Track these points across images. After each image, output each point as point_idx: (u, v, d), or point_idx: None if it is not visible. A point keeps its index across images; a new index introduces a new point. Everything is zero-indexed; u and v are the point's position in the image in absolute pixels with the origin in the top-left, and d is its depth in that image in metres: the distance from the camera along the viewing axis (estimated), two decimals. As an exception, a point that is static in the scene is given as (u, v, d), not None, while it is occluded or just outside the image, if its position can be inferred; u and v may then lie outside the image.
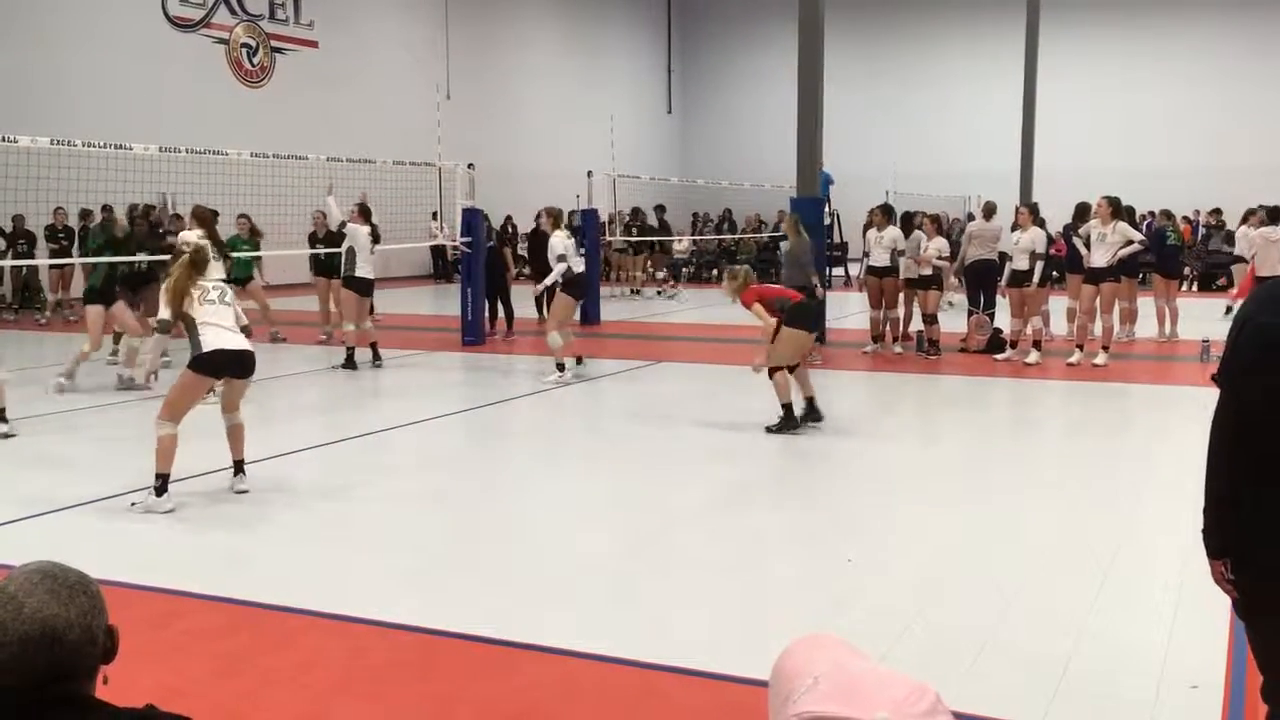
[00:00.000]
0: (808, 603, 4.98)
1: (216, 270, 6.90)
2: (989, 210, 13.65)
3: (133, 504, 6.37)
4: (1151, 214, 20.47)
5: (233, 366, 6.60)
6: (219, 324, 6.52)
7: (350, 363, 12.08)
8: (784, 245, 13.14)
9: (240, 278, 12.87)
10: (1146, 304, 14.64)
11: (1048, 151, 26.89)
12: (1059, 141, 28.50)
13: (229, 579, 5.28)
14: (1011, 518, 6.36)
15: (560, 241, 11.34)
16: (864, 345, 13.60)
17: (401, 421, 9.16)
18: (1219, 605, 4.83)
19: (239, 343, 6.58)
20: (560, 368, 11.16)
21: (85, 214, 17.57)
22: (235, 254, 12.14)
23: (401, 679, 4.21)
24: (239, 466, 6.84)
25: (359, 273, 12.11)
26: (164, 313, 6.91)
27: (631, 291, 22.38)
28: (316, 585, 5.21)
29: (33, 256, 17.43)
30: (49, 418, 9.35)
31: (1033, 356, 12.28)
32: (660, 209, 24.41)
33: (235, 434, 6.85)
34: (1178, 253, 15.41)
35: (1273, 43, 30.07)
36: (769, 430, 8.55)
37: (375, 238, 12.51)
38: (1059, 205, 17.07)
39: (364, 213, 12.38)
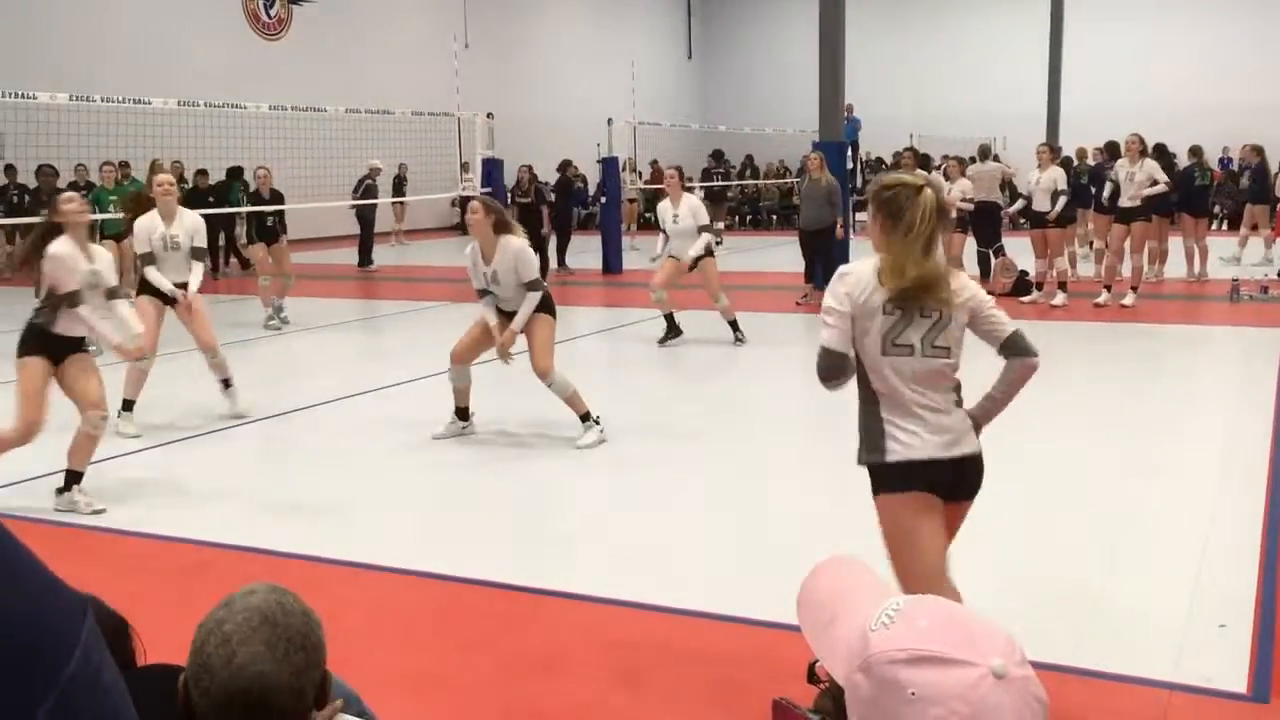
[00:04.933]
0: (830, 545, 4.97)
1: None
2: (984, 152, 13.65)
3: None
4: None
5: None
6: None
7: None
8: (802, 183, 13.06)
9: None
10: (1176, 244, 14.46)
11: (1076, 91, 26.46)
12: (1088, 81, 28.01)
13: (261, 530, 5.33)
14: (1036, 457, 6.32)
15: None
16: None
17: (422, 374, 9.18)
18: (1248, 544, 4.83)
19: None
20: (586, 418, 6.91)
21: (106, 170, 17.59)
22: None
23: (425, 626, 4.25)
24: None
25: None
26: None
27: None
28: (344, 536, 5.25)
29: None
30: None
31: (1059, 298, 12.17)
32: (718, 154, 24.35)
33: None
34: (1206, 192, 15.20)
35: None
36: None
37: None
38: (1090, 144, 16.88)
39: None
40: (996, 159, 16.54)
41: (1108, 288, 12.11)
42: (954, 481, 3.22)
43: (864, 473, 3.27)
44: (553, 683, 3.74)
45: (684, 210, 10.07)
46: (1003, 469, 6.11)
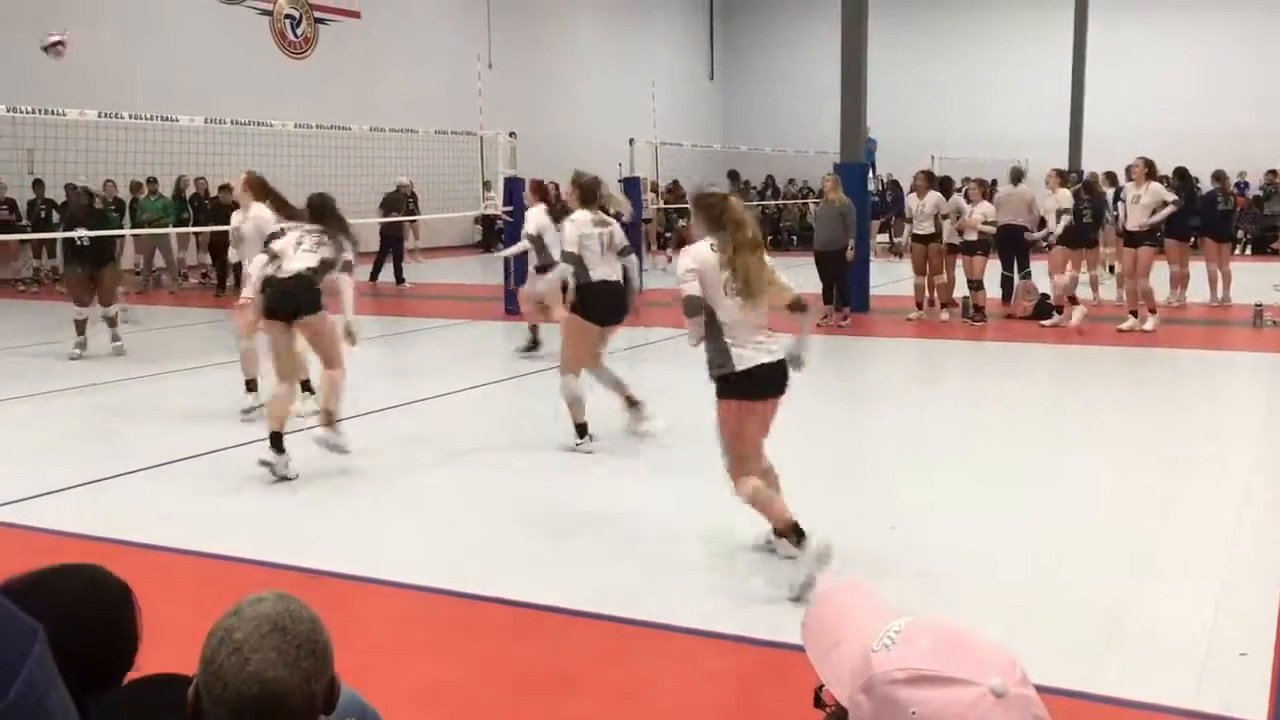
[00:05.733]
0: (850, 568, 4.95)
1: None
2: (1016, 175, 13.55)
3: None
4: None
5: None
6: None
7: None
8: (815, 206, 13.12)
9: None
10: (1199, 268, 14.38)
11: (1097, 114, 26.41)
12: (1109, 104, 27.97)
13: (278, 545, 5.36)
14: (1055, 480, 6.29)
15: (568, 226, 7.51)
16: (909, 312, 13.48)
17: (441, 391, 9.22)
18: (1270, 571, 4.79)
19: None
20: (580, 431, 7.18)
21: (135, 186, 17.79)
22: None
23: (439, 641, 4.26)
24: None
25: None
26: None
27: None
28: (361, 551, 5.27)
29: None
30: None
31: (1076, 315, 12.13)
32: (733, 175, 24.51)
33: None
34: (1229, 216, 15.13)
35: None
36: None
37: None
38: (1114, 167, 16.83)
39: None
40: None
41: (1133, 313, 12.05)
42: (772, 380, 4.71)
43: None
44: (566, 699, 3.75)
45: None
46: (1022, 491, 6.13)
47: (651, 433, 7.21)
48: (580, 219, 7.11)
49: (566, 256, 7.10)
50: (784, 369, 4.73)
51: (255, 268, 6.56)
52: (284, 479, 6.36)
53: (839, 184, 12.66)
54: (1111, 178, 15.20)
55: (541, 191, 10.65)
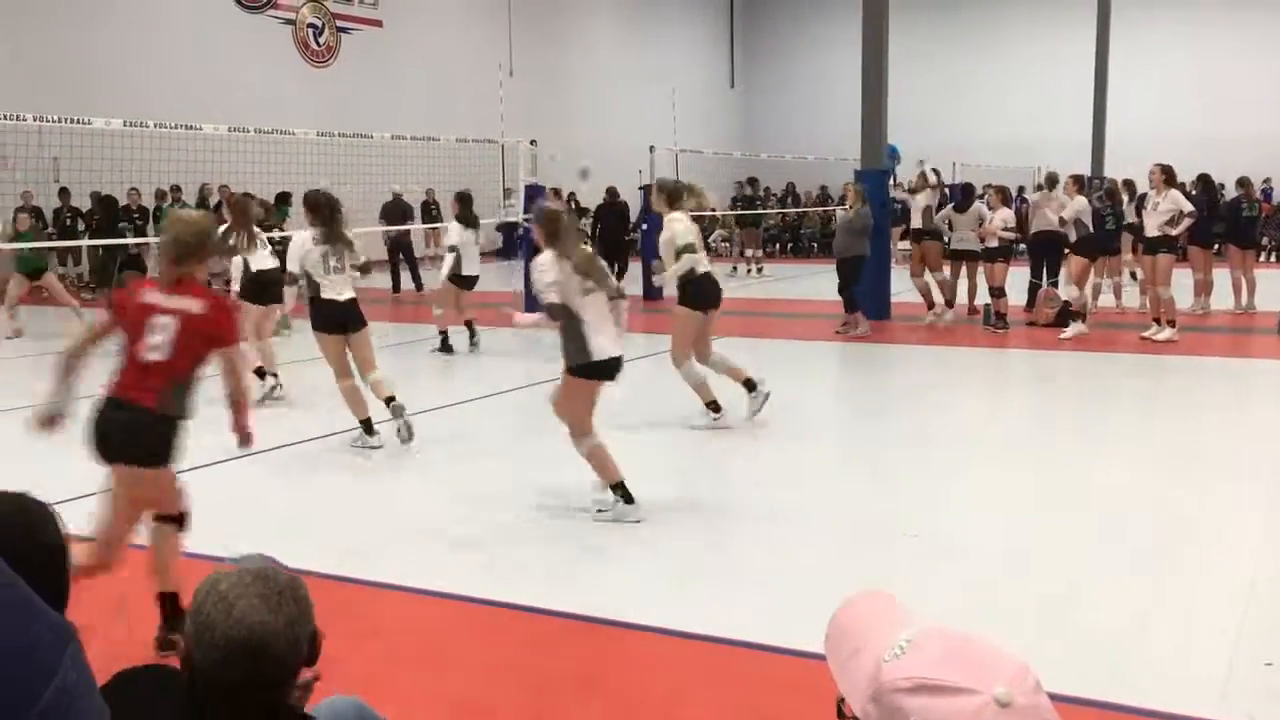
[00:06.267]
0: (871, 577, 4.94)
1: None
2: (1051, 181, 13.45)
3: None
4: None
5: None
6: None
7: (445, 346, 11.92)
8: (840, 213, 13.10)
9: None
10: (1222, 275, 14.29)
11: (1120, 120, 26.27)
12: (1131, 110, 27.82)
13: (297, 550, 5.38)
14: (1078, 491, 6.26)
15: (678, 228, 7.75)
16: (924, 318, 13.42)
17: (467, 397, 9.24)
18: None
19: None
20: (714, 407, 7.89)
21: (160, 194, 17.94)
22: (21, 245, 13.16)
23: (458, 648, 4.27)
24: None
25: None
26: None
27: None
28: (379, 558, 5.29)
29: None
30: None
31: (1069, 330, 12.06)
32: (753, 182, 24.50)
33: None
34: (1254, 224, 15.02)
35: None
36: None
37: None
38: (1136, 175, 16.74)
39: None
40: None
41: (1156, 320, 11.97)
42: (618, 367, 5.69)
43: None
44: (586, 708, 3.75)
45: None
46: (1043, 500, 6.10)
47: (762, 403, 7.92)
48: (681, 219, 7.71)
49: (687, 250, 7.60)
50: (621, 360, 5.68)
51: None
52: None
53: (861, 192, 12.61)
54: (1129, 185, 15.11)
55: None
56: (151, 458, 3.91)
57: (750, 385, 7.91)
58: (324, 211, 7.34)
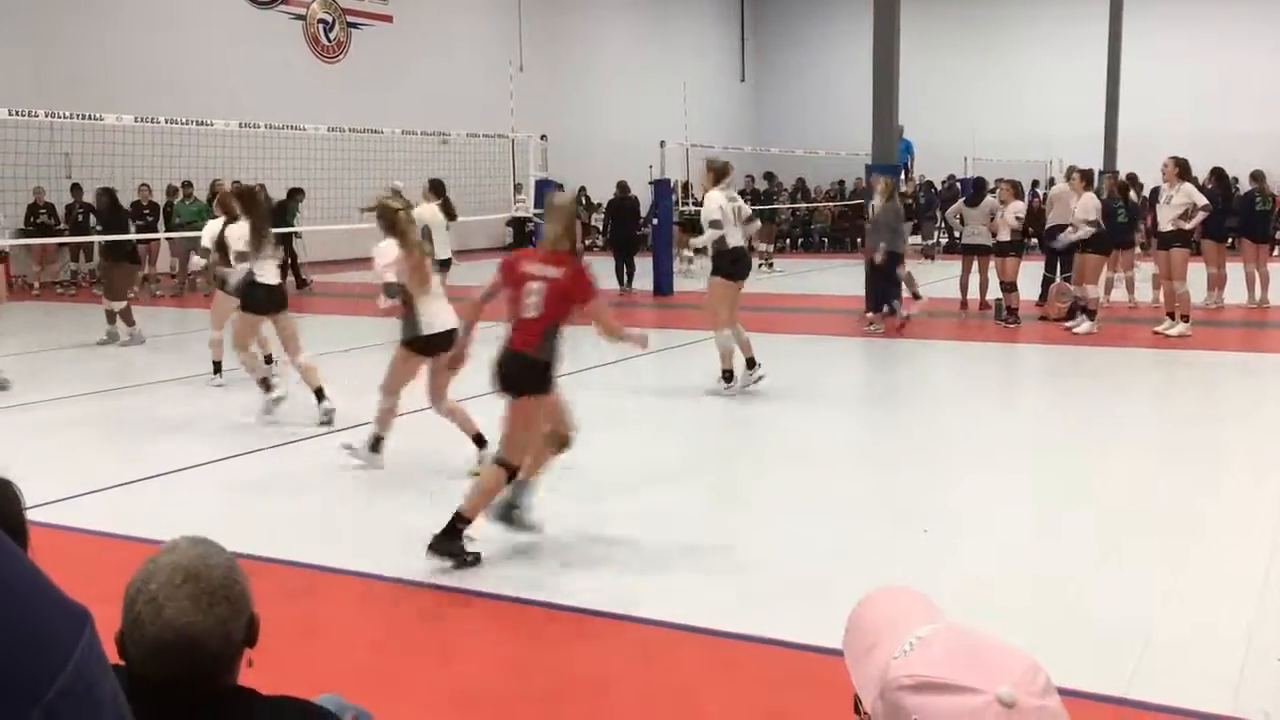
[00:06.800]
0: (885, 572, 4.93)
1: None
2: (1069, 176, 13.38)
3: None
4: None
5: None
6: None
7: None
8: (874, 206, 12.89)
9: None
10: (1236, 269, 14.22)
11: (1132, 114, 26.15)
12: (1145, 104, 27.67)
13: (307, 545, 5.39)
14: (1093, 486, 6.23)
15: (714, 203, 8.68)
16: (938, 314, 13.40)
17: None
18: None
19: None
20: (727, 376, 8.76)
21: (171, 190, 17.98)
22: None
23: (474, 644, 4.27)
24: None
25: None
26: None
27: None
28: (388, 552, 5.29)
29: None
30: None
31: (1083, 326, 11.99)
32: (769, 176, 24.44)
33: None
34: (1268, 217, 14.94)
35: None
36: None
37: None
38: (1149, 169, 16.66)
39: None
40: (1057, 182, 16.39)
41: (1170, 315, 11.91)
42: (449, 341, 6.01)
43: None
44: (601, 704, 3.75)
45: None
46: (1056, 495, 6.07)
47: (759, 379, 8.64)
48: (716, 195, 8.57)
49: (714, 224, 8.45)
50: (455, 333, 5.92)
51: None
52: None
53: (889, 186, 12.56)
54: (1132, 179, 15.09)
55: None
56: (538, 389, 4.99)
57: (751, 363, 8.75)
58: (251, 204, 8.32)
